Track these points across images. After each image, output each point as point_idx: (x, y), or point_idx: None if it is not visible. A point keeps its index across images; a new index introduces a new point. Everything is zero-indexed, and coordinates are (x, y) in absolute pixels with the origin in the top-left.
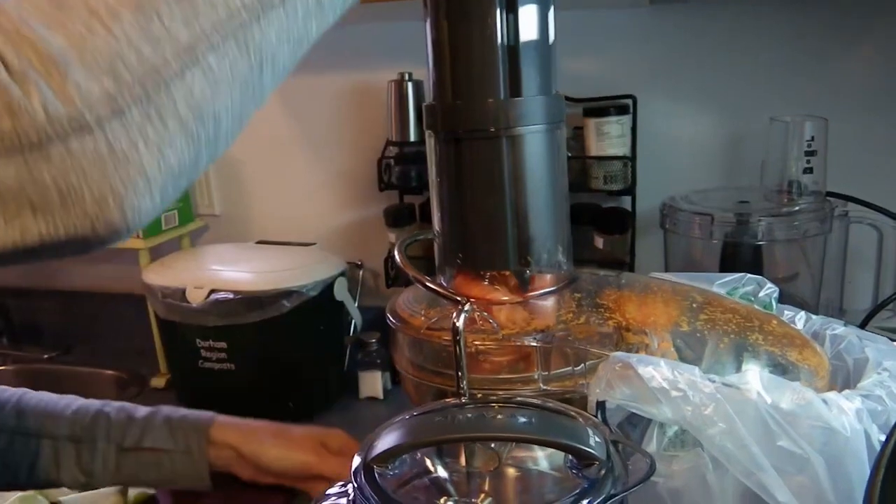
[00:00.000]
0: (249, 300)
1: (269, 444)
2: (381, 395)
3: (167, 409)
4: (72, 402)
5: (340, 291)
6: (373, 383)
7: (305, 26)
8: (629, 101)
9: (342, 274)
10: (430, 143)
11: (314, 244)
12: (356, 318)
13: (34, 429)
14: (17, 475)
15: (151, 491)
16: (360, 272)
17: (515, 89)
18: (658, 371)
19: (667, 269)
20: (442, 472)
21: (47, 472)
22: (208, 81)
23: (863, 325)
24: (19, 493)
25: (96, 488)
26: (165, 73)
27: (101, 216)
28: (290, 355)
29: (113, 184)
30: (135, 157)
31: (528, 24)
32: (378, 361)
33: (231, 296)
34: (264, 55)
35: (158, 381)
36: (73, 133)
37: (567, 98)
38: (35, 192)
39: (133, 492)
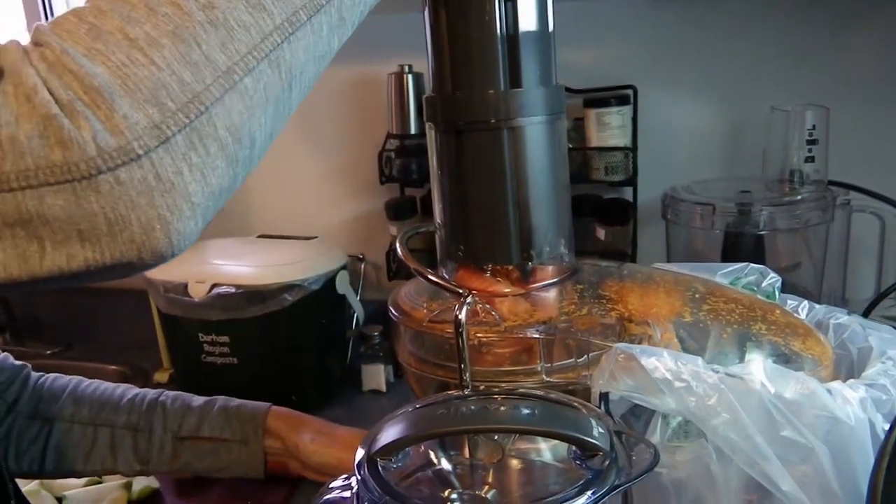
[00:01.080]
0: (251, 294)
1: (310, 439)
2: (383, 389)
3: (223, 399)
4: (127, 390)
5: (342, 285)
6: (375, 376)
7: (329, 42)
8: (630, 92)
9: (344, 267)
10: (430, 135)
11: (316, 238)
12: (358, 312)
13: (91, 417)
14: (75, 463)
15: (156, 485)
16: (362, 265)
17: (515, 80)
18: (661, 362)
19: (668, 260)
20: (445, 465)
21: (103, 460)
22: (245, 104)
23: (865, 315)
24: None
25: (150, 475)
26: (206, 99)
27: (148, 243)
28: (292, 349)
29: (160, 211)
30: (180, 183)
31: (528, 14)
32: (380, 354)
33: (233, 290)
34: (294, 73)
35: (161, 376)
36: (122, 164)
37: (567, 89)
38: (83, 220)
39: (137, 486)
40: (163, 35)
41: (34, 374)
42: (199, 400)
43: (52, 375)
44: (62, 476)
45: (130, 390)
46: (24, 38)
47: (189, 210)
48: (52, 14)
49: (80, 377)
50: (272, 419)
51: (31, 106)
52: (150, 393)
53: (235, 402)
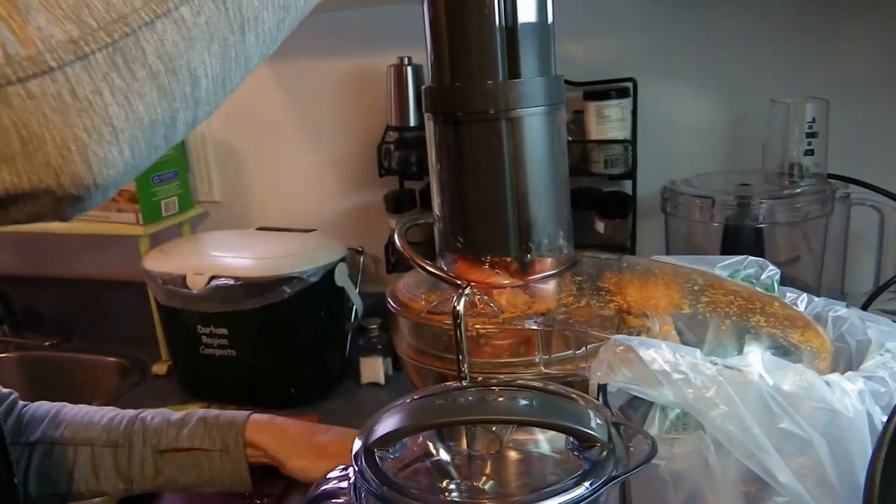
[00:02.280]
0: (250, 286)
1: (296, 454)
2: (382, 381)
3: (202, 411)
4: (108, 411)
5: (341, 277)
6: (374, 369)
7: None
8: (630, 85)
9: (342, 260)
10: (429, 126)
11: (315, 230)
12: (357, 304)
13: (70, 437)
14: (58, 485)
15: None
16: (361, 258)
17: (514, 71)
18: (659, 353)
19: (668, 253)
20: (443, 456)
21: (86, 480)
22: (181, 34)
23: (864, 308)
24: None
25: (136, 493)
26: (133, 21)
27: (66, 167)
28: (291, 341)
29: (76, 132)
30: (99, 103)
31: (527, 4)
32: (379, 347)
33: (232, 282)
34: (245, 16)
35: (160, 368)
36: (33, 76)
37: (567, 81)
38: None
39: None
40: None
41: (20, 402)
42: (178, 414)
43: (37, 403)
44: (47, 502)
45: (112, 411)
46: None
47: (110, 134)
48: None
49: (63, 403)
50: (253, 431)
51: None
52: (130, 411)
53: (214, 412)
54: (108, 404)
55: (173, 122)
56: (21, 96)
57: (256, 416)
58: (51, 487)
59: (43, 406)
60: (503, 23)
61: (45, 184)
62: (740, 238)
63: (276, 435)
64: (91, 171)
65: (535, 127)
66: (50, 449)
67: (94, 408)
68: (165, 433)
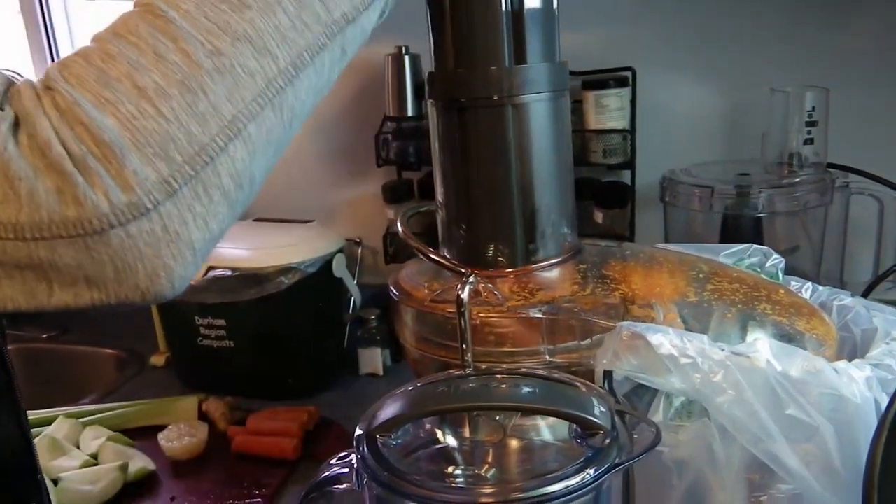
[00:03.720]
0: (248, 277)
1: None
2: (381, 372)
3: None
4: None
5: (339, 268)
6: (373, 360)
7: (330, 75)
8: (629, 74)
9: (340, 250)
10: (431, 112)
11: (312, 221)
12: (355, 295)
13: None
14: None
15: (152, 467)
16: (359, 249)
17: (520, 56)
18: (667, 338)
19: (667, 243)
20: (446, 443)
21: None
22: (248, 150)
23: (864, 297)
24: None
25: None
26: (212, 150)
27: (152, 288)
28: (289, 332)
29: (165, 260)
30: (184, 232)
31: None
32: (378, 338)
33: (229, 273)
34: (295, 112)
35: (158, 360)
36: (133, 219)
37: None
38: (91, 268)
39: (133, 468)
40: (171, 85)
41: None
42: None
43: None
44: None
45: None
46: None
47: (191, 256)
48: (53, 33)
49: None
50: None
51: (46, 161)
52: None
53: None
54: (105, 396)
55: (232, 222)
56: (121, 237)
57: None
58: None
59: None
60: (508, 7)
61: (130, 300)
62: (739, 228)
63: None
64: (174, 287)
65: (539, 113)
66: None
67: None
68: None
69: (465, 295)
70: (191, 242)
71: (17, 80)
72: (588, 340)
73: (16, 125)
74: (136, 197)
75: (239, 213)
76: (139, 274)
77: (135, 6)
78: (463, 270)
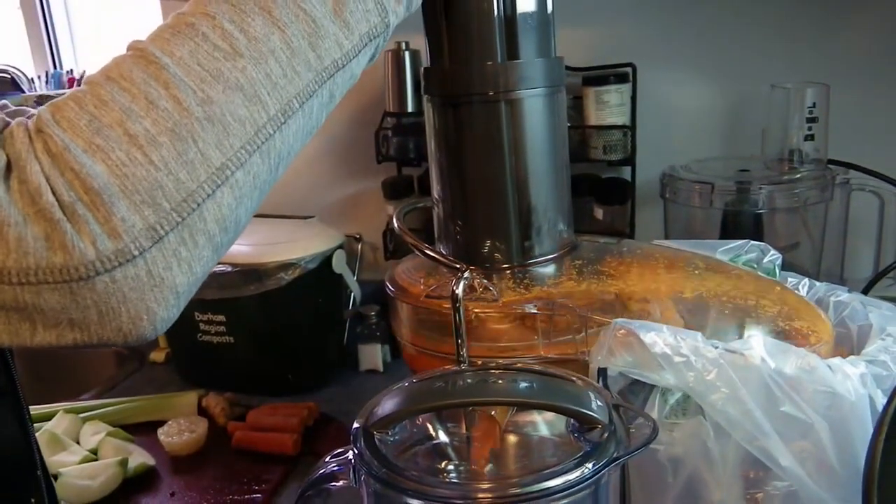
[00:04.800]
0: (248, 273)
1: None
2: (380, 368)
3: None
4: None
5: (339, 264)
6: (372, 356)
7: (318, 119)
8: (629, 70)
9: (340, 247)
10: (428, 108)
11: (312, 217)
12: (355, 291)
13: None
14: None
15: (151, 462)
16: (359, 245)
17: (513, 52)
18: (660, 336)
19: (667, 239)
20: (443, 438)
21: None
22: (235, 196)
23: (864, 294)
24: None
25: None
26: (199, 196)
27: (135, 331)
28: (289, 328)
29: (149, 304)
30: (169, 277)
31: None
32: (378, 334)
33: (229, 268)
34: (282, 157)
35: (158, 356)
36: (119, 265)
37: (566, 67)
38: (76, 312)
39: (133, 463)
40: (162, 132)
41: None
42: None
43: None
44: None
45: None
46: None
47: (174, 300)
48: (53, 28)
49: None
50: None
51: (36, 208)
52: None
53: None
54: (105, 392)
55: (215, 264)
56: (105, 282)
57: None
58: None
59: None
60: (503, 3)
61: (112, 341)
62: (739, 224)
63: None
64: (155, 330)
65: (535, 109)
66: None
67: None
68: None
69: (459, 290)
70: (174, 287)
71: (9, 121)
72: (583, 334)
73: (7, 169)
74: (122, 244)
75: (223, 255)
76: (122, 317)
77: (128, 49)
78: (458, 266)
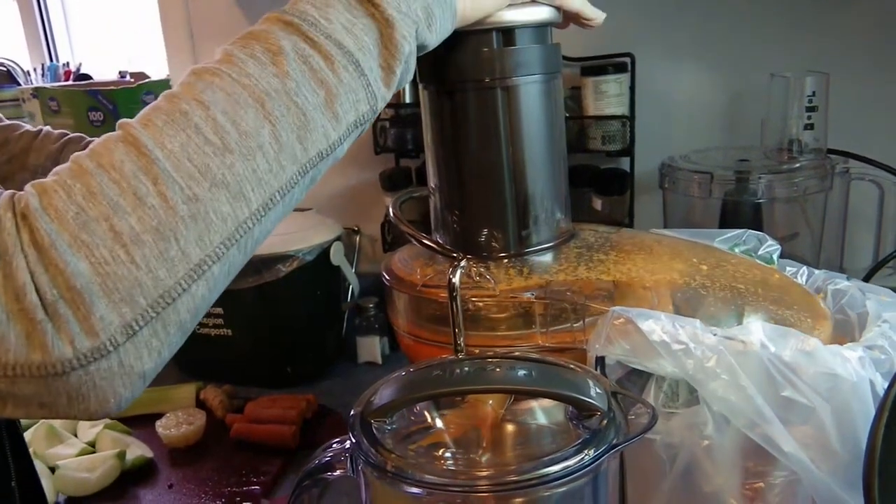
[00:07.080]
0: (245, 265)
1: None
2: (379, 360)
3: None
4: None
5: (337, 256)
6: (371, 348)
7: (298, 201)
8: (627, 60)
9: (338, 238)
10: (423, 96)
11: (310, 209)
12: (353, 284)
13: None
14: None
15: (149, 455)
16: (357, 237)
17: (510, 39)
18: (659, 324)
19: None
20: (440, 427)
21: None
22: (209, 287)
23: None
24: None
25: None
26: (175, 292)
27: (100, 411)
28: (287, 320)
29: (117, 389)
30: (138, 365)
31: None
32: (376, 326)
33: None
34: (258, 242)
35: None
36: (93, 361)
37: (565, 57)
38: (48, 398)
39: (131, 456)
40: (146, 231)
41: None
42: None
43: None
44: None
45: None
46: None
47: (141, 383)
48: (49, 19)
49: None
50: None
51: (20, 306)
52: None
53: None
54: None
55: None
56: (79, 375)
57: None
58: None
59: None
60: None
61: (77, 418)
62: (739, 214)
63: None
64: (119, 408)
65: (531, 96)
66: None
67: None
68: None
69: (456, 279)
70: (143, 373)
71: None
72: (581, 322)
73: None
74: (98, 342)
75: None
76: (90, 401)
77: (118, 128)
78: (455, 254)
